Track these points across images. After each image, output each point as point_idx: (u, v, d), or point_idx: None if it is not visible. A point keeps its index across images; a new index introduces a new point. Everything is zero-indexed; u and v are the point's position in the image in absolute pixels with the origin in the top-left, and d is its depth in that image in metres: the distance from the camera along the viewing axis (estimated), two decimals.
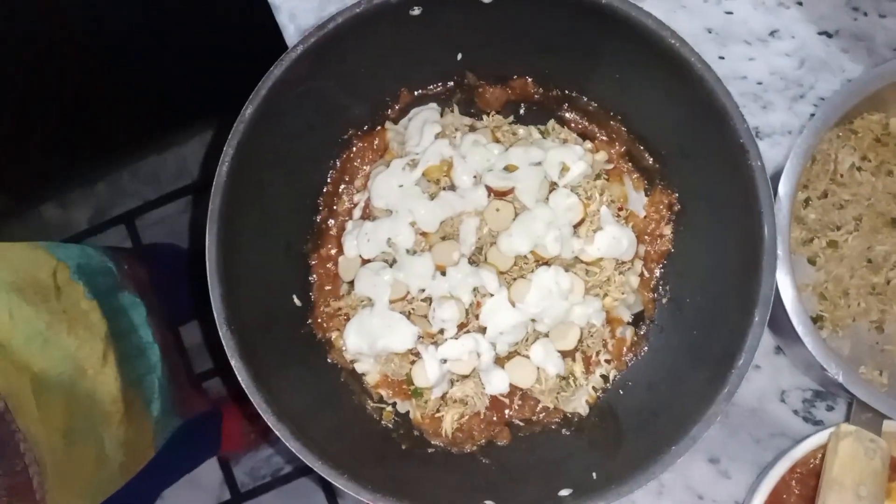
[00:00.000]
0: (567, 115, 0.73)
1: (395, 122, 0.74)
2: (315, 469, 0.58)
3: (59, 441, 0.73)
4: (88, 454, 0.79)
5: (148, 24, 1.13)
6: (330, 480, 0.58)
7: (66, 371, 0.76)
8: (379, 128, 0.73)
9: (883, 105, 0.71)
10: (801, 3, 0.78)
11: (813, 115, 0.75)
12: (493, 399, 0.69)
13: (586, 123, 0.73)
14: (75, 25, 1.07)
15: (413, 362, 0.68)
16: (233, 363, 0.59)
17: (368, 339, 0.67)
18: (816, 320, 0.70)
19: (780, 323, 0.64)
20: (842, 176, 0.71)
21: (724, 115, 0.59)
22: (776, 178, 0.64)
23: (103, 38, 1.12)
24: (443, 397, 0.69)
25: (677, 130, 0.68)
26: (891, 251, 0.70)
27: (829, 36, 0.78)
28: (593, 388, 0.69)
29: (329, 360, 0.71)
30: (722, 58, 0.77)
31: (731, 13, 0.78)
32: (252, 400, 0.59)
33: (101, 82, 1.12)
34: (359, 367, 0.70)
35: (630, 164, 0.72)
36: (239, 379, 0.59)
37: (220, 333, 0.59)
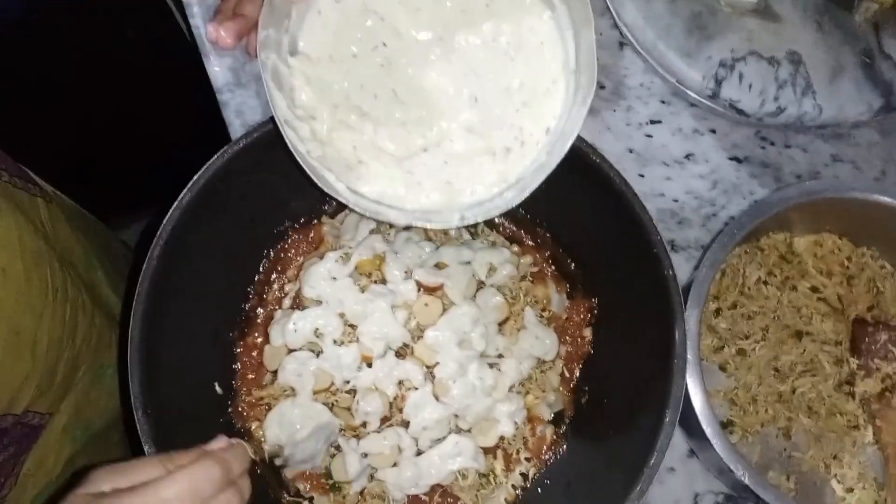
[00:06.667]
0: (497, 219, 0.77)
1: (332, 216, 0.76)
2: None
3: None
4: None
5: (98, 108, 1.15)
6: None
7: None
8: (315, 222, 0.75)
9: (787, 225, 0.77)
10: (714, 132, 0.85)
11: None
12: (412, 496, 0.68)
13: (514, 228, 0.77)
14: None
15: (333, 455, 0.67)
16: (146, 450, 0.58)
17: (289, 430, 0.67)
18: (727, 425, 0.73)
19: (692, 427, 0.67)
20: (749, 289, 0.76)
21: (641, 227, 0.64)
22: (689, 288, 0.68)
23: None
24: (361, 493, 0.68)
25: (599, 241, 0.71)
26: (795, 361, 0.74)
27: (740, 161, 0.85)
28: (512, 485, 0.69)
29: None
30: (642, 176, 0.83)
31: (651, 136, 0.85)
32: None
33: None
34: (277, 460, 0.69)
35: (554, 268, 0.76)
36: None
37: (136, 418, 0.58)
